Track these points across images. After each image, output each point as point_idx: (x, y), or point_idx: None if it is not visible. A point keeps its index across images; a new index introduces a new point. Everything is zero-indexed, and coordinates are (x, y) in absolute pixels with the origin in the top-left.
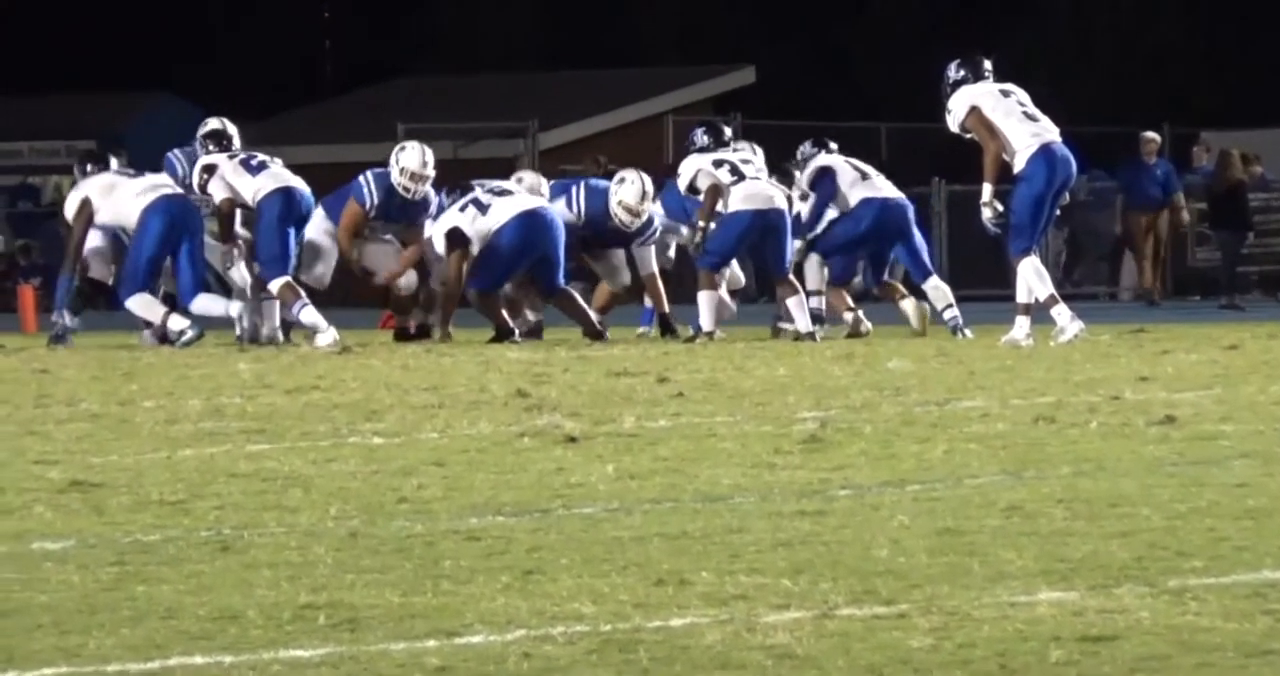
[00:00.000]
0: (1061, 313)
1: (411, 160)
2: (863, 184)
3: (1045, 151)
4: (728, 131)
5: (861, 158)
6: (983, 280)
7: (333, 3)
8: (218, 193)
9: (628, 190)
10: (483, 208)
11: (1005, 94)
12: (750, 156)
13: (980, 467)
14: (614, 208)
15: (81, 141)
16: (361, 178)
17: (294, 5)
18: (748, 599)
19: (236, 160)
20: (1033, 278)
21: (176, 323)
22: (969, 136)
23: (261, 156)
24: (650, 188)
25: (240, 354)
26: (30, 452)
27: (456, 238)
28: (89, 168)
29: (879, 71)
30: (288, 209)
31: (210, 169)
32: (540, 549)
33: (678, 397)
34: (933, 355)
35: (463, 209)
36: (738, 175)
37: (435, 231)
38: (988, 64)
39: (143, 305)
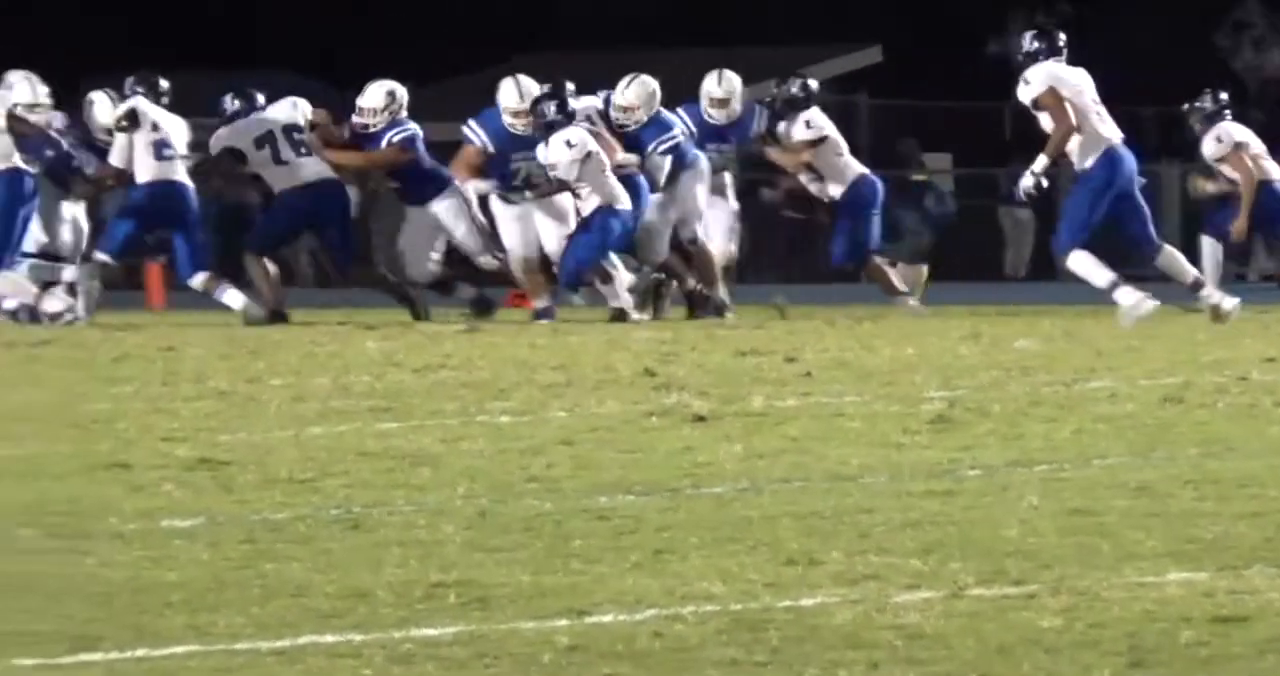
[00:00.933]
0: (1128, 293)
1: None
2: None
3: (1111, 155)
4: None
5: (986, 137)
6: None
7: None
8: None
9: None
10: (279, 160)
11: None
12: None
13: (1108, 448)
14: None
15: (206, 119)
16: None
17: None
18: (878, 578)
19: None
20: (1089, 268)
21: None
22: (1038, 112)
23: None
24: (653, 86)
25: (368, 332)
26: (158, 430)
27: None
28: (140, 90)
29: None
30: (11, 190)
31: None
32: (669, 528)
33: (805, 377)
34: (1060, 335)
35: (259, 146)
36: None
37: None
38: (1063, 39)
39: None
